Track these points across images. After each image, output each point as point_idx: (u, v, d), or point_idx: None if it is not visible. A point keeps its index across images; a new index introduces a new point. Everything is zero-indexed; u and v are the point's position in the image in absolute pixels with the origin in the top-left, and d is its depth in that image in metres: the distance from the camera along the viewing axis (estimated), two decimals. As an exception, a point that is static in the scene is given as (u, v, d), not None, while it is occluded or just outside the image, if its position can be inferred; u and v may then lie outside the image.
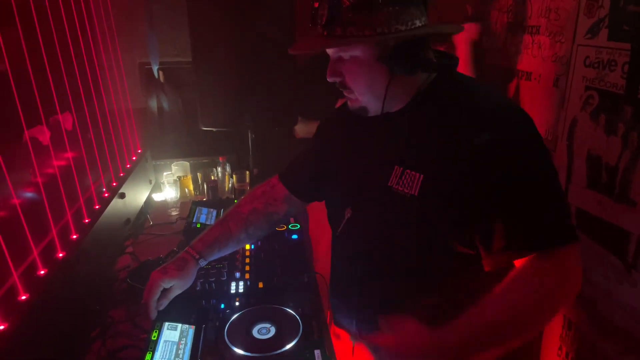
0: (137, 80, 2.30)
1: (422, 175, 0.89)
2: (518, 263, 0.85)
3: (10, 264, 1.01)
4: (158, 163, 2.27)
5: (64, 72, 1.50)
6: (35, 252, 1.12)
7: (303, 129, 2.11)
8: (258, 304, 1.18)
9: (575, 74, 1.58)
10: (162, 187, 2.12)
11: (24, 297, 1.02)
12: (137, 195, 1.92)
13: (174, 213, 1.97)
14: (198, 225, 1.65)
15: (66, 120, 1.67)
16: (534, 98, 1.99)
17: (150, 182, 2.15)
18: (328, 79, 0.94)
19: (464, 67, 2.04)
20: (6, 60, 1.13)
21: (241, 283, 1.28)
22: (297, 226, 1.63)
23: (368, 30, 0.84)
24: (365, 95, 0.94)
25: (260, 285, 1.28)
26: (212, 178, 2.08)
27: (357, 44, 0.87)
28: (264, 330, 1.08)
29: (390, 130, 0.98)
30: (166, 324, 1.10)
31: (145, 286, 1.09)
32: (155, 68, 2.34)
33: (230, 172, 2.18)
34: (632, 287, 1.31)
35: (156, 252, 1.57)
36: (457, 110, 0.89)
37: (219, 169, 2.19)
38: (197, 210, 1.75)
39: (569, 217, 0.88)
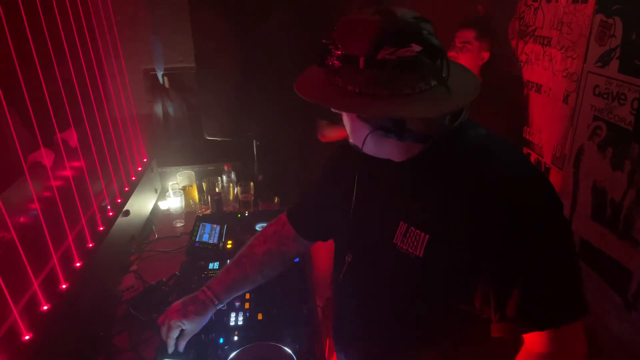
0: (142, 86, 2.29)
1: (427, 236, 0.86)
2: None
3: (10, 301, 1.03)
4: (164, 170, 2.28)
5: (62, 90, 1.48)
6: (36, 285, 1.14)
7: (330, 133, 2.10)
8: (256, 339, 1.21)
9: (584, 101, 1.55)
10: (165, 196, 2.14)
11: (27, 337, 1.05)
12: (142, 208, 1.94)
13: (178, 225, 1.99)
14: (200, 245, 1.67)
15: (70, 138, 1.67)
16: (543, 111, 1.96)
17: (156, 191, 2.17)
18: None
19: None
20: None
21: (240, 314, 1.30)
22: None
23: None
24: (353, 139, 0.91)
25: (260, 317, 1.30)
26: (217, 190, 2.09)
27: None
28: (260, 371, 1.11)
29: (396, 179, 0.94)
30: (167, 359, 1.13)
31: (163, 324, 1.14)
32: (160, 74, 2.33)
33: (235, 181, 2.19)
34: (632, 327, 1.31)
35: (159, 272, 1.58)
36: (469, 169, 0.84)
37: (224, 177, 2.20)
38: (200, 227, 1.77)
39: (582, 290, 0.82)
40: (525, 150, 2.08)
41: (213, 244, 1.69)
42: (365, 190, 1.01)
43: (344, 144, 1.13)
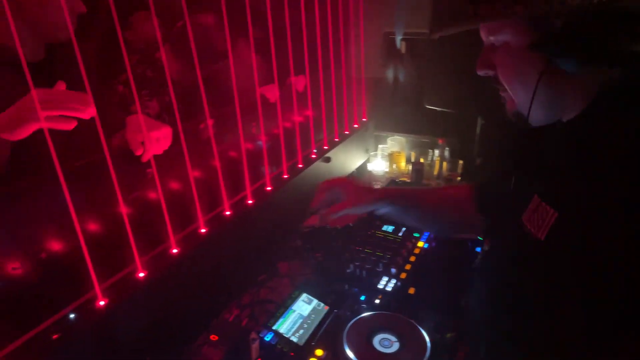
0: (378, 50, 2.32)
1: (556, 214, 0.64)
2: None
3: (224, 195, 1.25)
4: (380, 134, 2.29)
5: (305, 39, 1.62)
6: (225, 196, 1.30)
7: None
8: (398, 310, 1.08)
9: None
10: (372, 158, 2.14)
11: (203, 231, 1.21)
12: (347, 162, 2.00)
13: (376, 187, 1.97)
14: (384, 206, 1.60)
15: (299, 83, 1.84)
16: None
17: (367, 152, 2.20)
18: (477, 72, 0.73)
19: None
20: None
21: (392, 281, 1.19)
22: (486, 238, 1.39)
23: (520, 4, 0.59)
24: (518, 97, 0.70)
25: (411, 291, 1.16)
26: (421, 160, 1.97)
27: (506, 26, 0.65)
28: (386, 342, 0.99)
29: (549, 145, 0.74)
30: (304, 295, 1.13)
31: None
32: (398, 39, 2.31)
33: (448, 158, 2.02)
34: None
35: (342, 220, 1.61)
36: None
37: (436, 151, 2.06)
38: (390, 190, 1.70)
39: None
40: None
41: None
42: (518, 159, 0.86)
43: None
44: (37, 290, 0.90)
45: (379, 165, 2.06)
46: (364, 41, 2.11)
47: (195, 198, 1.17)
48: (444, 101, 1.99)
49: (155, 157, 1.11)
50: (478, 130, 2.05)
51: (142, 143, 1.11)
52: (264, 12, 1.40)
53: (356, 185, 1.14)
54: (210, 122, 1.28)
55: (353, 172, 2.04)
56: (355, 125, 2.12)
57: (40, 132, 0.85)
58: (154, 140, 1.12)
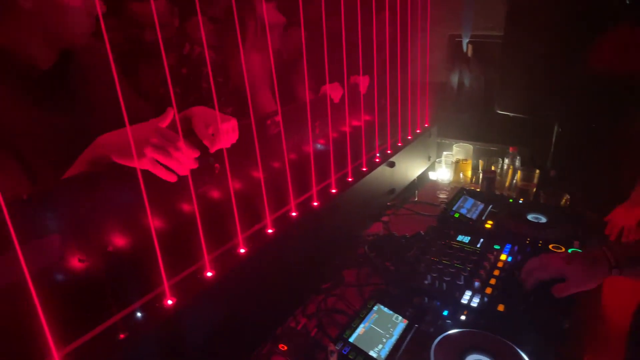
0: (444, 53, 2.22)
1: None
2: None
3: (292, 195, 1.17)
4: (443, 141, 2.16)
5: (375, 39, 1.55)
6: (292, 197, 1.22)
7: None
8: (487, 329, 0.95)
9: None
10: (436, 165, 2.02)
11: (270, 231, 1.13)
12: (409, 169, 1.88)
13: (441, 196, 1.85)
14: (456, 215, 1.48)
15: (362, 83, 1.75)
16: None
17: (429, 159, 2.08)
18: None
19: None
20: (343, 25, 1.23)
21: (477, 296, 1.07)
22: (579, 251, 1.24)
23: None
24: None
25: (501, 308, 1.03)
26: (492, 168, 1.83)
27: None
28: (479, 364, 0.86)
29: None
30: (379, 306, 1.02)
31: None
32: (465, 41, 2.20)
33: (519, 167, 1.87)
34: None
35: (407, 229, 1.50)
36: None
37: (506, 160, 1.91)
38: (462, 199, 1.57)
39: None
40: None
41: (469, 219, 1.47)
42: None
43: None
44: (103, 284, 0.84)
45: (443, 173, 1.93)
46: (433, 44, 2.01)
47: (264, 197, 1.10)
48: (518, 106, 1.85)
49: (220, 153, 1.05)
50: (554, 138, 1.90)
51: (212, 135, 1.05)
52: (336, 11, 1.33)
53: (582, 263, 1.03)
54: (279, 117, 1.22)
55: (414, 180, 1.92)
56: (418, 131, 2.01)
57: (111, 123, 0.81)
58: (224, 132, 1.05)
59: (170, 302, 0.84)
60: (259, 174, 1.10)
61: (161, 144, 0.82)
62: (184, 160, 0.86)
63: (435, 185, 1.93)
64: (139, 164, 0.81)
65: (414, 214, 1.70)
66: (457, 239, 1.33)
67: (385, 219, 1.63)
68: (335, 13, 1.35)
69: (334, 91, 1.65)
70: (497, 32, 2.07)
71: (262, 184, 1.09)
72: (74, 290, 0.82)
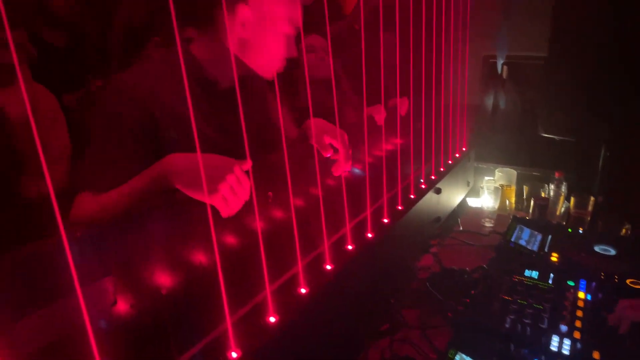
0: (479, 74, 2.14)
1: None
2: None
3: (325, 234, 1.02)
4: (480, 166, 2.06)
5: (412, 61, 1.47)
6: (348, 228, 1.11)
7: None
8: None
9: None
10: (480, 192, 1.91)
11: (329, 267, 1.01)
12: (451, 195, 1.78)
13: (487, 224, 1.73)
14: (516, 247, 1.36)
15: (402, 105, 1.66)
16: None
17: (468, 185, 1.97)
18: None
19: None
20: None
21: (567, 341, 0.94)
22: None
23: None
24: None
25: (596, 356, 0.90)
26: (543, 195, 1.72)
27: None
28: None
29: None
30: (462, 355, 0.90)
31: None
32: (500, 62, 2.12)
33: (565, 193, 1.76)
34: None
35: (461, 261, 1.39)
36: None
37: (552, 186, 1.80)
38: (517, 229, 1.46)
39: None
40: None
41: (531, 251, 1.35)
42: None
43: None
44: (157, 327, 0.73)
45: (486, 200, 1.82)
46: (468, 65, 1.93)
47: (323, 230, 0.98)
48: (564, 129, 1.76)
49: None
50: (601, 161, 1.80)
51: (331, 144, 1.10)
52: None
53: None
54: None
55: (455, 208, 1.81)
56: (457, 155, 1.91)
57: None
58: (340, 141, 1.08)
59: (235, 354, 0.72)
60: (317, 202, 0.99)
61: (235, 183, 0.79)
62: (243, 196, 0.82)
63: (479, 213, 1.82)
64: (209, 199, 0.71)
65: (463, 244, 1.59)
66: (525, 274, 1.21)
67: (434, 250, 1.51)
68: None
69: (377, 113, 1.56)
70: (535, 52, 2.00)
71: (322, 213, 0.98)
72: (131, 336, 0.70)
